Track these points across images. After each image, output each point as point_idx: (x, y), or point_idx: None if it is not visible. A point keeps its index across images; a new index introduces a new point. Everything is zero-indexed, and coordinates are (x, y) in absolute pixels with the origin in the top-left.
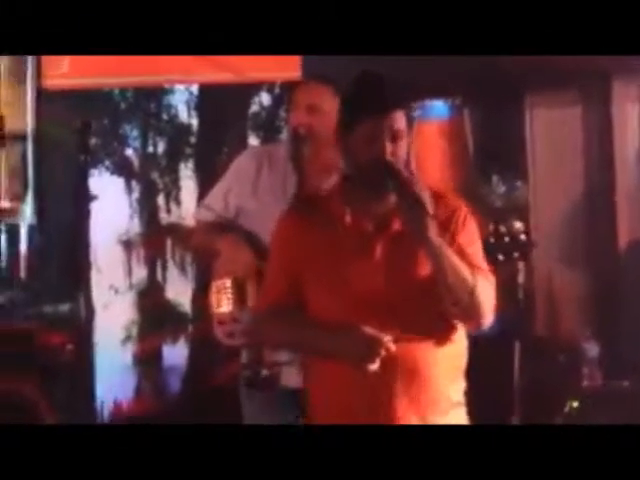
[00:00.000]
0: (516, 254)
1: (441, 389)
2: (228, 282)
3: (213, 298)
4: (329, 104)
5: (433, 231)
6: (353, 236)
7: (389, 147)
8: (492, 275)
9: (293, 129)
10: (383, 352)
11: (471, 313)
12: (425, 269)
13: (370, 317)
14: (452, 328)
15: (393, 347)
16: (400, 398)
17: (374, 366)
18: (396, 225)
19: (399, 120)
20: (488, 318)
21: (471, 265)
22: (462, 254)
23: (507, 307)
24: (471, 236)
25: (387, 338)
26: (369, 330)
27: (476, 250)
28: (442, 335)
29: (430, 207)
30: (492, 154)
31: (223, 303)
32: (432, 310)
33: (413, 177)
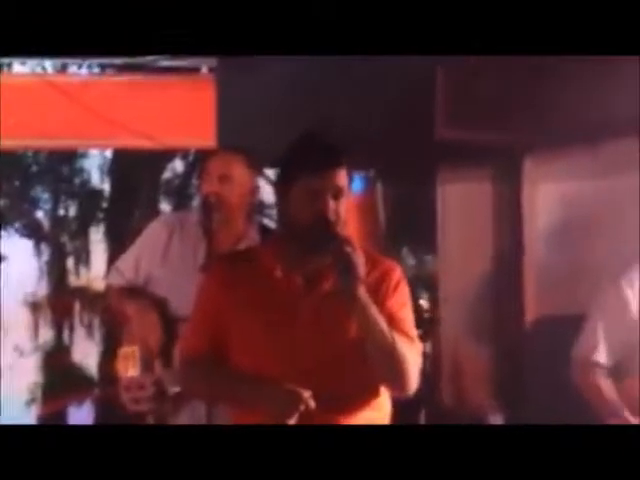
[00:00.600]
0: (420, 331)
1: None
2: (136, 348)
3: (120, 364)
4: (241, 173)
5: (362, 290)
6: (282, 292)
7: (332, 205)
8: (419, 342)
9: (204, 197)
10: (302, 408)
11: (396, 377)
12: (353, 330)
13: (294, 375)
14: (376, 392)
15: (313, 404)
16: None
17: (292, 421)
18: (326, 284)
19: (342, 178)
20: (413, 384)
21: (399, 330)
22: (391, 318)
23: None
24: (402, 300)
25: (307, 394)
26: (289, 385)
27: (406, 315)
28: (365, 398)
29: (362, 269)
30: (403, 227)
31: (130, 369)
32: (357, 372)
33: (349, 238)
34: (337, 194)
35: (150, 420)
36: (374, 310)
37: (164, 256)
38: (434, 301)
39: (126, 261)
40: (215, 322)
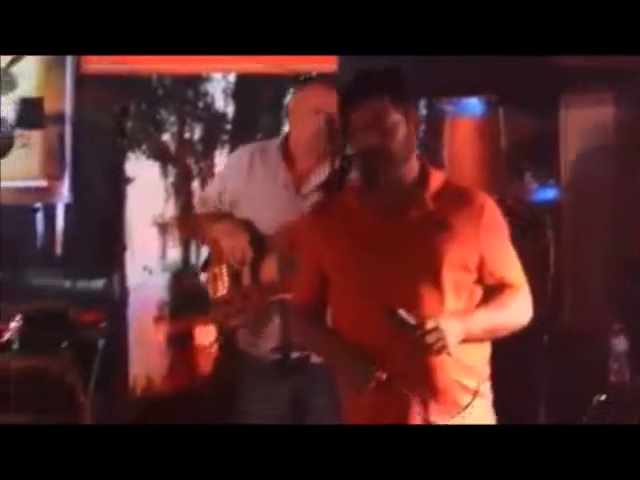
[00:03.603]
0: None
1: (454, 377)
2: (224, 268)
3: (209, 284)
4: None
5: (460, 333)
6: (362, 226)
7: (372, 134)
8: (525, 281)
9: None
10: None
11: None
12: (435, 255)
13: (379, 311)
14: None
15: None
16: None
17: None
18: (410, 212)
19: (390, 108)
20: (524, 323)
21: (502, 281)
22: (492, 262)
23: (536, 298)
24: (501, 237)
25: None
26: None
27: (506, 254)
28: None
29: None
30: (525, 152)
31: (219, 288)
32: (444, 290)
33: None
34: (377, 122)
35: (274, 338)
36: (477, 329)
37: (247, 180)
38: (556, 226)
39: (211, 189)
40: (316, 270)
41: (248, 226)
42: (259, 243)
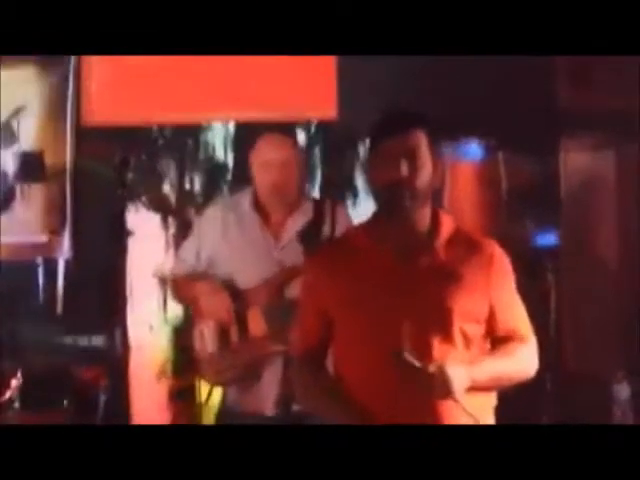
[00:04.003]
0: None
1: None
2: (210, 325)
3: (197, 342)
4: (289, 155)
5: (466, 379)
6: (375, 269)
7: (404, 165)
8: (532, 332)
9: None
10: None
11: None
12: (445, 306)
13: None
14: None
15: None
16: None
17: None
18: (421, 260)
19: (415, 139)
20: (531, 374)
21: (510, 336)
22: (503, 319)
23: (538, 344)
24: (509, 286)
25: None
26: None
27: (514, 304)
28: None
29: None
30: (525, 196)
31: (208, 345)
32: (453, 340)
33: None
34: (411, 155)
35: (274, 390)
36: (481, 378)
37: (223, 237)
38: (557, 270)
39: (187, 249)
40: (320, 313)
41: (227, 284)
42: (241, 299)
